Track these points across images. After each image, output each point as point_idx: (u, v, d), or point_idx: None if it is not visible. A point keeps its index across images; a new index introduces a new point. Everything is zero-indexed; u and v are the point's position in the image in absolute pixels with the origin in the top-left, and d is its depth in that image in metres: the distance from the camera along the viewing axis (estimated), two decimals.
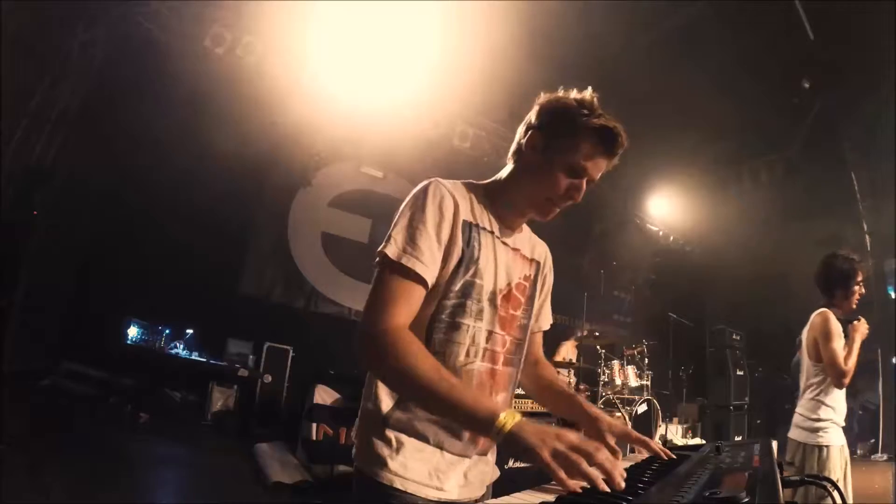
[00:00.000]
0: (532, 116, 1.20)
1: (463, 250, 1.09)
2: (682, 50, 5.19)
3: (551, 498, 0.73)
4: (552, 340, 5.79)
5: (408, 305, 1.02)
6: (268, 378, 5.13)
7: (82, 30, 4.68)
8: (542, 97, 1.20)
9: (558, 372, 5.28)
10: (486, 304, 1.13)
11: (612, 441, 1.14)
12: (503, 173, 1.23)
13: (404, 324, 1.00)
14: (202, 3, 4.95)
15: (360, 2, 4.94)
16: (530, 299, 1.27)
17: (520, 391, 1.45)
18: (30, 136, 4.54)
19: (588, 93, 1.14)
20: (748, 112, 5.92)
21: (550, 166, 1.13)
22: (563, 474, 0.75)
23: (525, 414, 1.02)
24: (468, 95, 6.16)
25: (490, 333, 1.15)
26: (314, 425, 4.18)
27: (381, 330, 0.98)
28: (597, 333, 5.81)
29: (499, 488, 1.17)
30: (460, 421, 0.95)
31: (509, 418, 0.85)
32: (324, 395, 4.40)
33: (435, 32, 4.96)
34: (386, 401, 1.09)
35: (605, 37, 5.10)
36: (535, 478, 0.77)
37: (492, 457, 1.23)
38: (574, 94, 1.15)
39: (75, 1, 4.59)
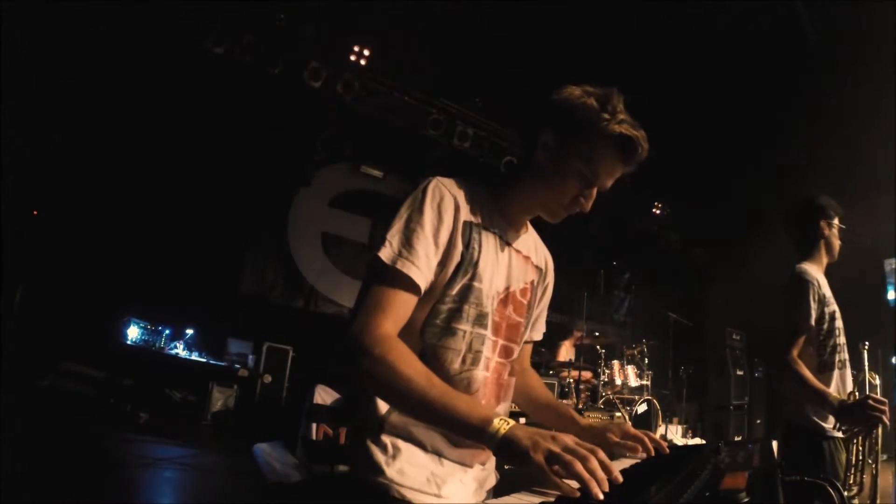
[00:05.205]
0: (547, 111, 1.09)
1: (462, 253, 1.04)
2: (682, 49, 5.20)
3: (551, 498, 0.73)
4: (551, 341, 5.79)
5: (399, 312, 0.97)
6: (268, 378, 5.12)
7: (82, 30, 4.68)
8: (562, 91, 1.08)
9: (559, 372, 5.28)
10: (485, 309, 1.07)
11: (615, 439, 1.13)
12: (512, 172, 1.15)
13: (395, 331, 0.96)
14: (202, 4, 4.96)
15: (360, 1, 4.95)
16: (530, 306, 1.21)
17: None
18: (30, 136, 4.54)
19: (611, 92, 1.04)
20: (748, 111, 5.92)
21: (562, 171, 1.06)
22: (554, 475, 0.74)
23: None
24: (468, 95, 6.17)
25: (489, 340, 1.09)
26: (314, 425, 4.17)
27: (371, 337, 0.92)
28: (597, 333, 5.81)
29: (498, 488, 1.17)
30: (454, 429, 0.91)
31: (503, 424, 0.82)
32: (324, 395, 4.38)
33: (435, 32, 4.97)
34: (381, 405, 1.04)
35: (605, 38, 5.10)
36: (535, 478, 0.77)
37: (491, 463, 1.18)
38: (596, 91, 1.04)
39: (75, 1, 4.59)
